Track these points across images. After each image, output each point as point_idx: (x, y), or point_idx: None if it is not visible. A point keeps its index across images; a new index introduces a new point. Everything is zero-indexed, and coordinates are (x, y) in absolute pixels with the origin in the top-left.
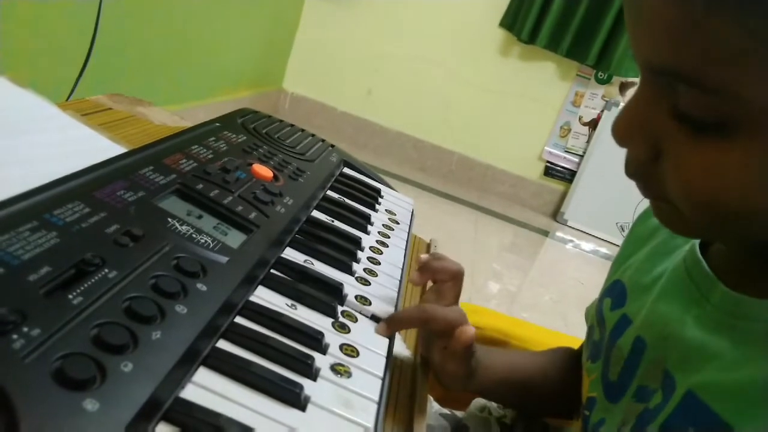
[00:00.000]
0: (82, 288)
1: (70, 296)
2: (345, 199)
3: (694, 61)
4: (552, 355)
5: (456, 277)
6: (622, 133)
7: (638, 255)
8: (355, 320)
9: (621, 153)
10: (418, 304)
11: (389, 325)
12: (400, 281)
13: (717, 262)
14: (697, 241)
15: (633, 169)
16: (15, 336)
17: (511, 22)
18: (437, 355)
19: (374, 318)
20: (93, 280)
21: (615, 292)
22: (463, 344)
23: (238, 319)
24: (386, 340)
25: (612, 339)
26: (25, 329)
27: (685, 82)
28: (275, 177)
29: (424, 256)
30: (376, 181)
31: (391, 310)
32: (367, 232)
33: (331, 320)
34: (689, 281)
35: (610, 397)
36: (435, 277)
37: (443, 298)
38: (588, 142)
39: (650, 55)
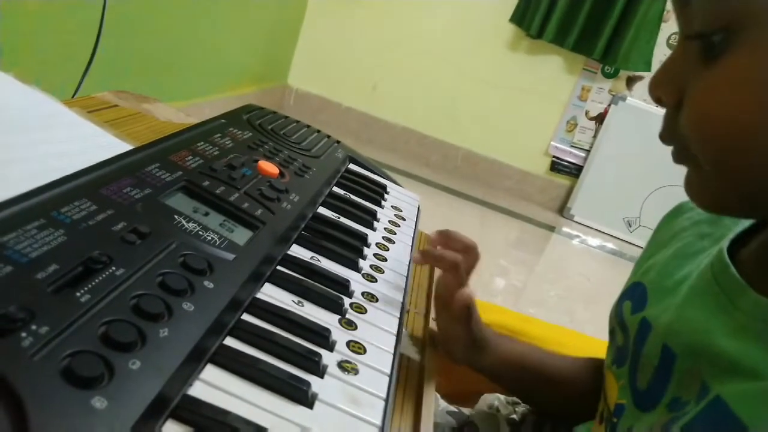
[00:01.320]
0: (89, 286)
1: (78, 294)
2: (351, 195)
3: None
4: (574, 359)
5: (468, 250)
6: (653, 83)
7: (660, 257)
8: (364, 312)
9: (627, 149)
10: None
11: (424, 257)
12: (407, 277)
13: (747, 269)
14: (725, 246)
15: (664, 128)
16: (23, 334)
17: (520, 17)
18: (443, 323)
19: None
20: (100, 278)
21: (635, 294)
22: (460, 303)
23: (245, 317)
24: (393, 338)
25: (637, 345)
26: (34, 327)
27: None
28: (281, 173)
29: (433, 239)
30: (382, 177)
31: (398, 305)
32: (373, 229)
33: (338, 317)
34: (717, 288)
35: (640, 405)
36: (449, 244)
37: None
38: (594, 136)
39: None
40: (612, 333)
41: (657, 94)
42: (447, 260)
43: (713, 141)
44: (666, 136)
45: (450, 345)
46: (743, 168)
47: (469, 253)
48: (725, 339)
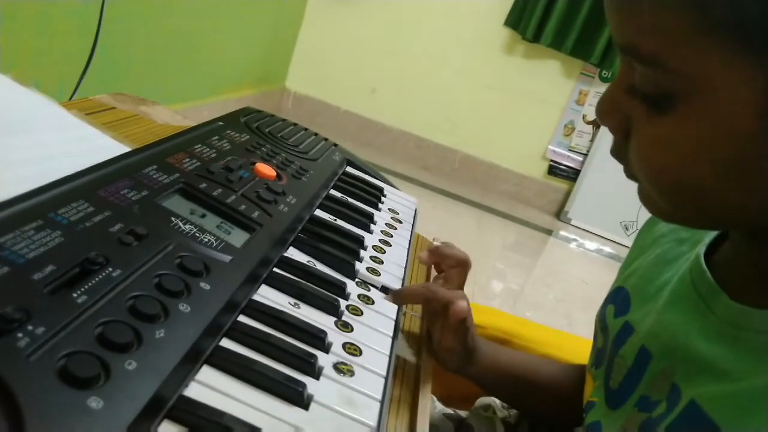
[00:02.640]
0: (86, 287)
1: (75, 295)
2: (348, 198)
3: (633, 34)
4: (563, 365)
5: (461, 264)
6: (598, 110)
7: (642, 262)
8: (360, 314)
9: None
10: (424, 283)
11: (396, 298)
12: (403, 280)
13: (722, 273)
14: (702, 251)
15: (614, 149)
16: (20, 334)
17: (516, 20)
18: (436, 332)
19: (383, 289)
20: (97, 279)
21: (618, 299)
22: (457, 316)
23: (242, 318)
24: (389, 339)
25: (615, 347)
26: (30, 327)
27: (633, 57)
28: (278, 176)
29: (436, 243)
30: (379, 180)
31: (394, 307)
32: (370, 231)
33: (335, 319)
34: (695, 292)
35: (610, 403)
36: (443, 261)
37: (449, 282)
38: (592, 140)
39: (613, 34)
40: (595, 336)
41: (605, 125)
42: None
43: (659, 183)
44: (616, 156)
45: (443, 355)
46: (688, 202)
47: (463, 267)
48: (701, 341)
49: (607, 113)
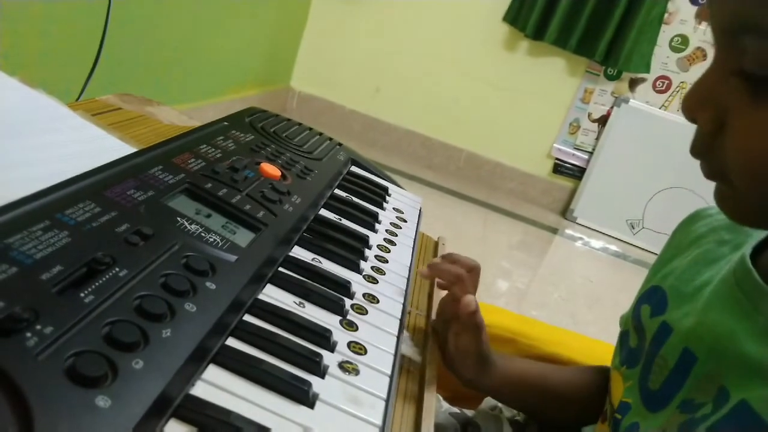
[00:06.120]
0: (93, 286)
1: (82, 294)
2: (353, 197)
3: (754, 7)
4: (579, 369)
5: (471, 270)
6: (689, 103)
7: (679, 262)
8: (365, 313)
9: (630, 151)
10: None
11: (431, 270)
12: (408, 279)
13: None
14: (747, 252)
15: (698, 146)
16: (29, 334)
17: (514, 16)
18: (451, 338)
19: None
20: (104, 279)
21: (654, 298)
22: (466, 310)
23: (247, 317)
24: (394, 338)
25: (654, 347)
26: (39, 327)
27: (751, 32)
28: (283, 176)
29: (437, 259)
30: (384, 179)
31: (399, 306)
32: (374, 231)
33: (339, 318)
34: (739, 293)
35: (649, 405)
36: (440, 277)
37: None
38: (597, 138)
39: (721, 15)
40: (624, 335)
41: (693, 117)
42: (452, 273)
43: (762, 179)
44: (700, 154)
45: (460, 359)
46: None
47: (472, 273)
48: (749, 343)
49: (701, 104)
